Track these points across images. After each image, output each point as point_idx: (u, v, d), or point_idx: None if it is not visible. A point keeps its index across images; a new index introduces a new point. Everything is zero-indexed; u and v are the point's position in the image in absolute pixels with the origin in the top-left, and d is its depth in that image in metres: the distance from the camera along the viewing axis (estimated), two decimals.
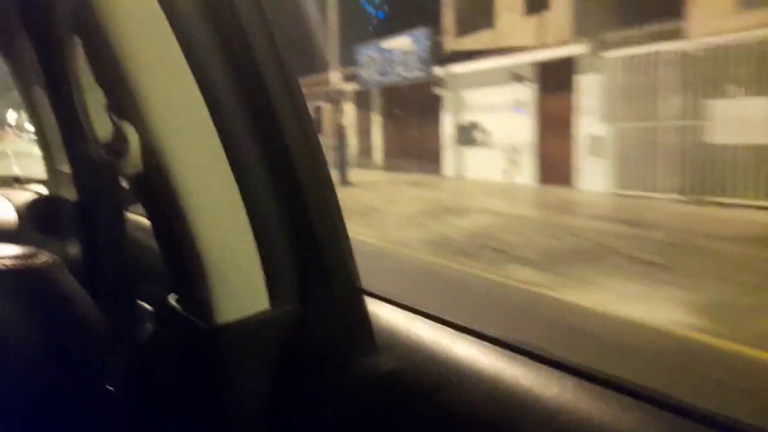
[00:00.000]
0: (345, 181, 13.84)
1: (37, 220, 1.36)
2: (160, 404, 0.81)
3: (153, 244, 0.80)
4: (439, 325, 0.63)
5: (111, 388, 0.76)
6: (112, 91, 0.69)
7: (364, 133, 18.72)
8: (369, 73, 17.14)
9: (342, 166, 13.98)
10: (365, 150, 18.71)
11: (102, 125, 0.71)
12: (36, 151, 1.81)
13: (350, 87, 18.98)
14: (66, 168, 1.29)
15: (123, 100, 0.67)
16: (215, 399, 0.71)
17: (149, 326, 0.86)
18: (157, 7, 0.64)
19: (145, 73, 0.64)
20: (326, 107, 20.71)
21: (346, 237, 0.71)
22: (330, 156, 21.77)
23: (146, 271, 0.91)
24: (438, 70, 14.72)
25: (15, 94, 1.83)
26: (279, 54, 0.67)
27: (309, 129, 0.69)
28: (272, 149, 0.69)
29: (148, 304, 0.90)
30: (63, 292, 0.70)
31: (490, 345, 0.57)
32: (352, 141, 19.38)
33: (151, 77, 0.65)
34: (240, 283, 0.70)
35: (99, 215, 0.98)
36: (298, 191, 0.69)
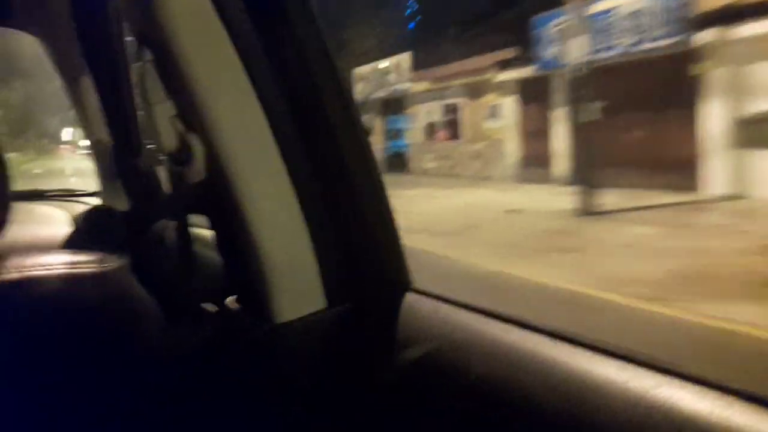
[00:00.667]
0: (590, 210, 8.81)
1: (92, 231, 1.33)
2: (222, 402, 0.81)
3: (210, 250, 0.85)
4: (496, 321, 0.63)
5: (175, 387, 0.81)
6: (180, 103, 0.74)
7: (534, 135, 13.82)
8: (558, 50, 12.23)
9: (587, 184, 8.95)
10: (534, 158, 13.78)
11: (166, 136, 0.75)
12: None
13: (509, 75, 14.10)
14: (117, 179, 1.37)
15: (190, 112, 0.73)
16: (274, 395, 0.74)
17: (211, 327, 0.88)
18: (220, 25, 0.69)
19: (210, 87, 0.70)
20: (467, 104, 15.83)
21: (399, 237, 0.75)
22: (473, 166, 17.02)
23: (206, 275, 0.93)
24: (702, 36, 9.69)
25: (69, 112, 1.91)
26: (332, 63, 0.71)
27: (361, 134, 0.73)
28: (326, 155, 0.73)
29: (209, 306, 0.91)
30: (132, 295, 0.74)
31: (549, 338, 0.57)
32: (511, 147, 14.50)
33: (215, 90, 0.70)
34: (297, 284, 0.74)
35: (155, 223, 0.99)
36: (352, 195, 0.73)
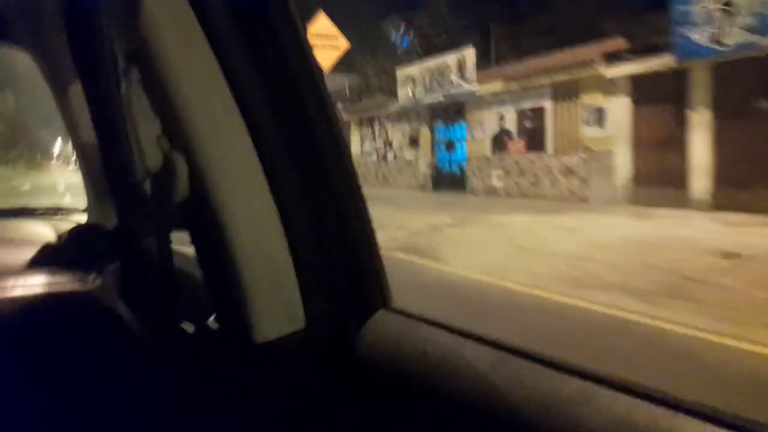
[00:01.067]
0: None
1: (79, 248, 1.36)
2: (200, 423, 0.81)
3: (192, 268, 0.85)
4: (478, 344, 0.62)
5: (155, 404, 0.81)
6: (165, 121, 0.74)
7: (658, 146, 10.79)
8: (714, 32, 9.25)
9: None
10: (657, 175, 10.74)
11: (151, 154, 0.75)
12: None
13: (624, 69, 11.11)
14: (107, 196, 1.38)
15: (174, 130, 0.72)
16: (253, 415, 0.74)
17: (191, 346, 0.87)
18: (208, 48, 0.69)
19: (197, 107, 0.69)
20: (555, 108, 12.81)
21: (379, 256, 0.73)
22: (564, 184, 13.93)
23: (188, 293, 0.93)
24: None
25: (61, 126, 1.93)
26: (318, 81, 0.69)
27: (345, 152, 0.71)
28: (309, 175, 0.72)
29: (190, 324, 0.91)
30: (111, 313, 0.76)
31: (524, 359, 0.57)
32: (621, 160, 11.46)
33: (200, 109, 0.70)
34: (278, 303, 0.72)
35: (140, 241, 1.00)
36: (333, 215, 0.72)
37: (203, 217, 0.71)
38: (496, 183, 14.60)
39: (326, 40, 12.01)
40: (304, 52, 0.68)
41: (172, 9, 0.68)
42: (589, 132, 12.04)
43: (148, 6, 0.67)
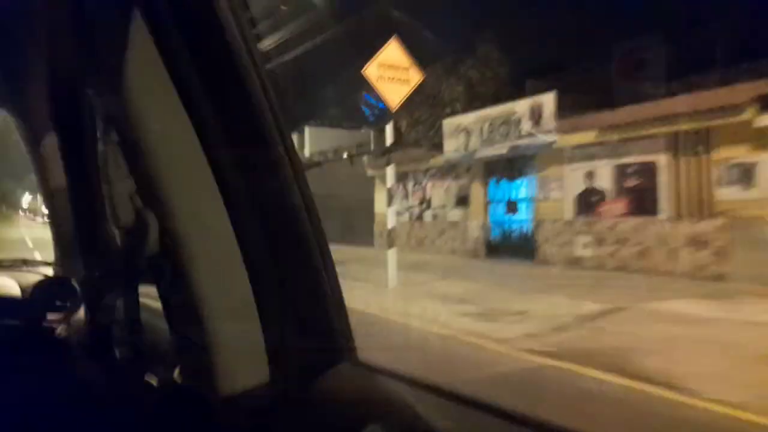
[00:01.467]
0: None
1: (45, 301, 1.39)
2: None
3: (158, 321, 0.88)
4: (442, 399, 0.64)
5: None
6: (139, 180, 0.78)
7: None
8: None
9: None
10: None
11: (124, 210, 0.79)
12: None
13: None
14: (75, 250, 1.38)
15: (147, 189, 0.76)
16: None
17: (156, 398, 0.89)
18: (182, 108, 0.74)
19: (169, 166, 0.73)
20: (674, 162, 10.38)
21: (345, 310, 0.76)
22: (688, 258, 11.10)
23: (153, 347, 0.94)
24: None
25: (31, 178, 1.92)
26: (289, 146, 0.74)
27: (312, 210, 0.75)
28: (278, 232, 0.75)
29: (155, 377, 0.93)
30: (77, 366, 0.75)
31: (497, 418, 0.56)
32: None
33: (174, 170, 0.73)
34: (243, 357, 0.75)
35: (107, 294, 1.01)
36: (300, 271, 0.75)
37: (172, 272, 0.74)
38: (582, 252, 11.96)
39: (396, 72, 9.62)
40: (275, 113, 0.72)
41: (150, 73, 0.72)
42: (728, 193, 9.59)
43: (126, 69, 0.70)
